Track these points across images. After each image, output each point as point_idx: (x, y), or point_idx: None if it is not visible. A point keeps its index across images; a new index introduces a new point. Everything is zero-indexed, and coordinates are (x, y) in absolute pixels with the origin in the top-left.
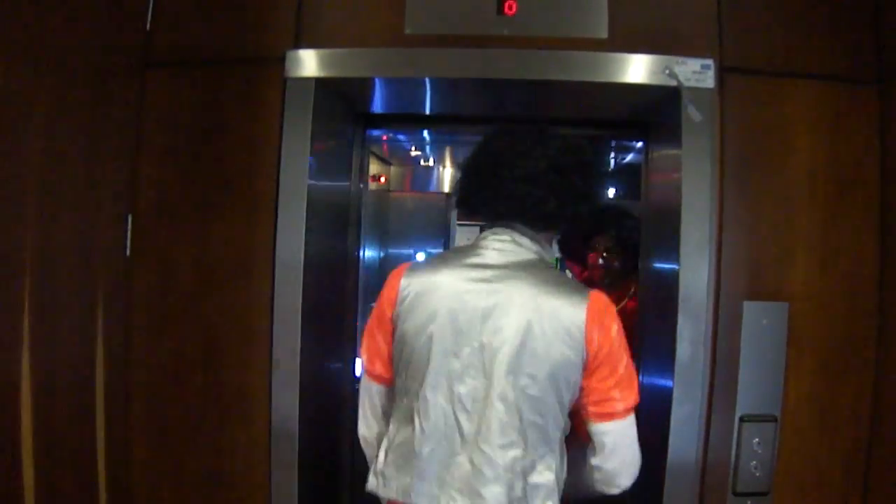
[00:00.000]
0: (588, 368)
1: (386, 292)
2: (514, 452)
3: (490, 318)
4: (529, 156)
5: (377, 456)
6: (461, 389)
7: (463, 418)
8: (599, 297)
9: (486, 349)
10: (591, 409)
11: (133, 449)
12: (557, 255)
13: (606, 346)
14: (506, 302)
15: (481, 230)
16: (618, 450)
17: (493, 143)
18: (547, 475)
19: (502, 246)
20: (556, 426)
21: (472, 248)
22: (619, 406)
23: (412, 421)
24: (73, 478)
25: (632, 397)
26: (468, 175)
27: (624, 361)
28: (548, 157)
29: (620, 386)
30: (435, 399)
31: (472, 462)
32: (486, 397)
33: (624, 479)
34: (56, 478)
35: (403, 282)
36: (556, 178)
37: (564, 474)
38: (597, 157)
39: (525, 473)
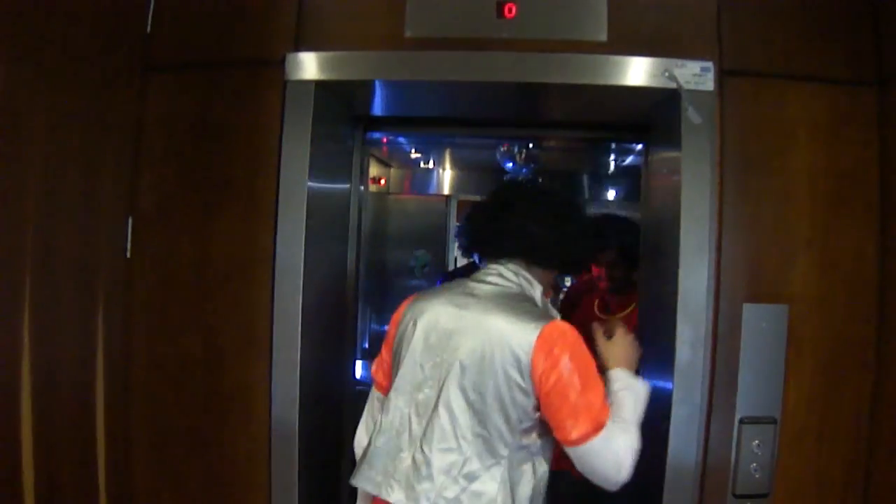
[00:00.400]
0: (539, 395)
1: (394, 316)
2: (452, 457)
3: (452, 339)
4: (534, 201)
5: None
6: (419, 396)
7: (414, 421)
8: (553, 328)
9: (443, 364)
10: (553, 433)
11: (133, 450)
12: (540, 293)
13: (554, 375)
14: (469, 326)
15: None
16: (585, 468)
17: (501, 191)
18: (490, 485)
19: (488, 278)
20: (504, 442)
21: (467, 281)
22: (573, 435)
23: (378, 418)
24: (73, 478)
25: (586, 427)
26: (476, 217)
27: (576, 391)
28: (550, 204)
29: (574, 416)
30: (396, 401)
31: (413, 459)
32: (435, 406)
33: (605, 487)
34: (56, 479)
35: (406, 307)
36: (556, 222)
37: (529, 490)
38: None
39: (468, 478)
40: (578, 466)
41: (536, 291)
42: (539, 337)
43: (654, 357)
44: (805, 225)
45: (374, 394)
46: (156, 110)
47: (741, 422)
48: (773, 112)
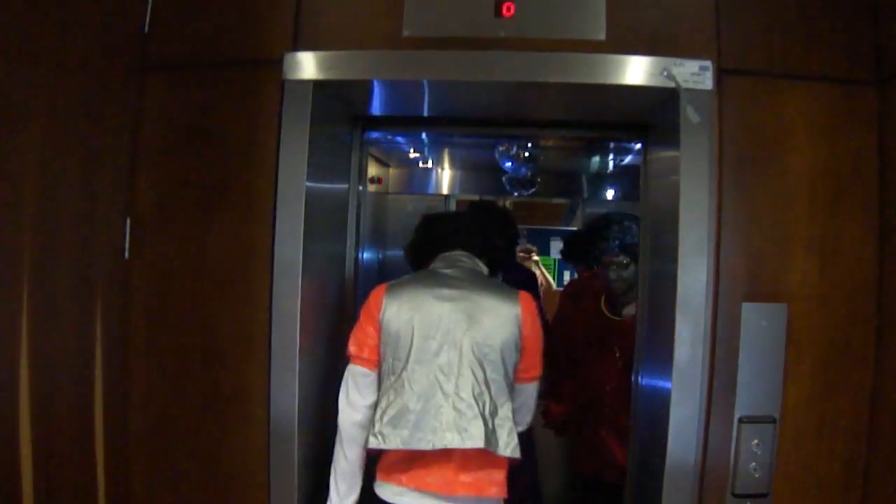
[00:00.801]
0: (522, 346)
1: (373, 301)
2: (483, 399)
3: (455, 312)
4: (468, 213)
5: (373, 422)
6: (439, 361)
7: (442, 380)
8: (526, 295)
9: (455, 331)
10: (519, 374)
11: (132, 450)
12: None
13: (534, 330)
14: (465, 298)
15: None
16: (528, 399)
17: (435, 215)
18: (508, 414)
19: (454, 261)
20: (507, 382)
21: (435, 269)
22: (535, 372)
23: (403, 388)
24: (72, 479)
25: (539, 369)
26: (424, 229)
27: (540, 343)
28: (479, 215)
29: (534, 361)
30: (421, 370)
31: (455, 409)
32: (459, 364)
33: (526, 417)
34: (55, 479)
35: (386, 295)
36: (483, 227)
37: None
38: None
39: (493, 414)
40: (522, 399)
41: (483, 269)
42: (521, 301)
43: (654, 356)
44: (804, 224)
45: (357, 370)
46: (153, 110)
47: (740, 421)
48: (772, 111)
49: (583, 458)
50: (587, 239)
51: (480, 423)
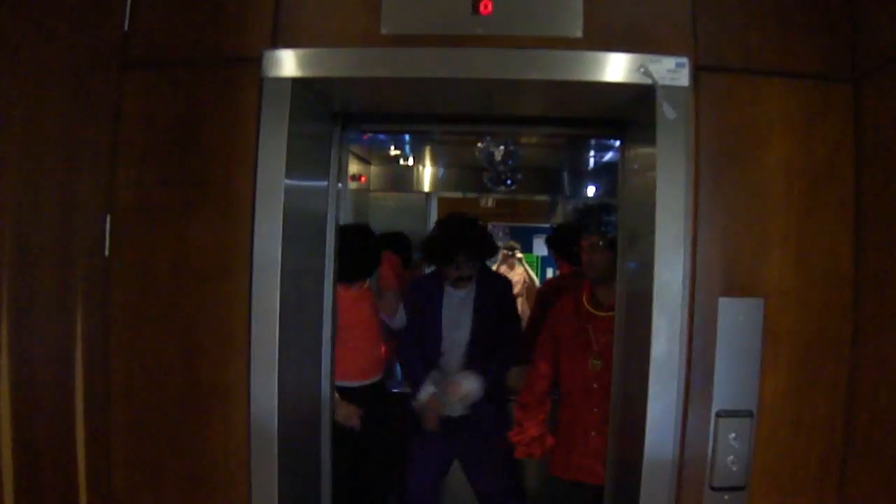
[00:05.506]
0: None
1: None
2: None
3: None
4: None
5: None
6: None
7: None
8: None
9: None
10: None
11: (113, 449)
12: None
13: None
14: None
15: None
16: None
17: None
18: None
19: None
20: None
21: None
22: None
23: None
24: (52, 478)
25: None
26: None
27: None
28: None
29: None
30: None
31: None
32: None
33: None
34: (36, 478)
35: None
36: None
37: None
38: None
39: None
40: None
41: None
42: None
43: (631, 351)
44: (780, 220)
45: None
46: (133, 108)
47: (718, 415)
48: (749, 107)
49: (562, 460)
50: (570, 229)
51: None
